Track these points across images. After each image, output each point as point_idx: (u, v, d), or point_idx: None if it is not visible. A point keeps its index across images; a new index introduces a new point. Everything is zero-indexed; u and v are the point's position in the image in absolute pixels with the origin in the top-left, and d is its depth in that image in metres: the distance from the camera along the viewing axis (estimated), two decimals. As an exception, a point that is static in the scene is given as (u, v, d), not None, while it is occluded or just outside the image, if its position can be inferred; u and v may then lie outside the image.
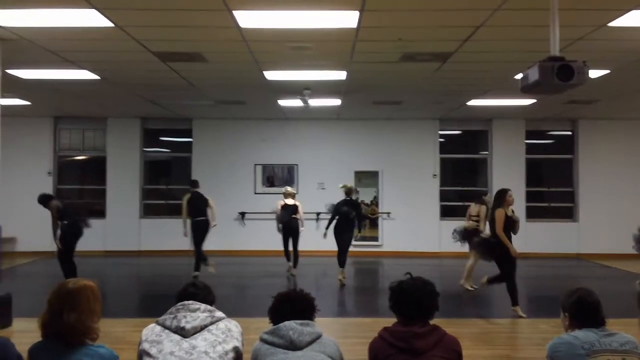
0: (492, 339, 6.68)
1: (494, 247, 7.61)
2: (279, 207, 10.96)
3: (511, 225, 7.54)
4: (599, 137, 14.11)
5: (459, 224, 10.11)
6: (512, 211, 7.68)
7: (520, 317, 7.47)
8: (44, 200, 9.44)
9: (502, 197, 7.65)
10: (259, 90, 10.20)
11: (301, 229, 10.98)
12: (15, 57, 7.59)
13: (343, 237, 10.34)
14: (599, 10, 5.84)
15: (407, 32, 6.58)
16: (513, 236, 7.60)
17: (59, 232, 9.15)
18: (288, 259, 11.22)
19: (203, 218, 10.72)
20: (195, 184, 11.15)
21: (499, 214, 7.50)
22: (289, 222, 10.84)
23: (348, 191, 10.44)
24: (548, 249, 13.63)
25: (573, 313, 3.06)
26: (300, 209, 10.91)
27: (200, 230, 10.72)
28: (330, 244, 13.45)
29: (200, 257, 10.72)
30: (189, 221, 10.70)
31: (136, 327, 5.66)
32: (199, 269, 10.62)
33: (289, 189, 11.22)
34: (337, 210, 10.32)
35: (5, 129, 14.46)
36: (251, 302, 8.70)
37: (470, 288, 9.22)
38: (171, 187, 14.68)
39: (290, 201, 10.92)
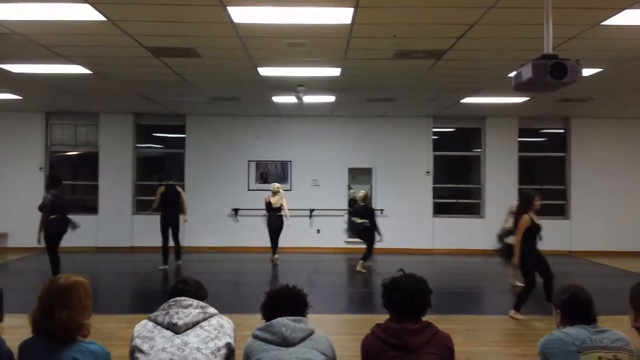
0: (484, 335, 6.71)
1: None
2: (265, 207, 11.88)
3: (536, 230, 7.36)
4: (591, 135, 14.17)
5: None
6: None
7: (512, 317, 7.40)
8: (55, 180, 9.44)
9: (530, 202, 7.37)
10: (253, 86, 10.17)
11: (287, 222, 11.83)
12: (7, 51, 7.54)
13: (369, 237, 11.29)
14: (593, 9, 5.86)
15: (401, 29, 6.57)
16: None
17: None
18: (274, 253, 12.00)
19: (175, 213, 11.36)
20: (170, 176, 11.73)
21: (524, 220, 7.27)
22: (275, 222, 11.81)
23: (364, 198, 11.39)
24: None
25: (565, 310, 3.07)
26: (284, 204, 11.80)
27: (172, 224, 11.33)
28: (321, 241, 13.66)
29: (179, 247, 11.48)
30: (157, 216, 11.44)
31: (128, 323, 5.65)
32: (179, 258, 11.44)
33: (276, 185, 11.99)
34: (353, 223, 11.44)
35: (-3, 124, 14.32)
36: (244, 299, 8.70)
37: (518, 284, 8.98)
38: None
39: (275, 199, 11.73)
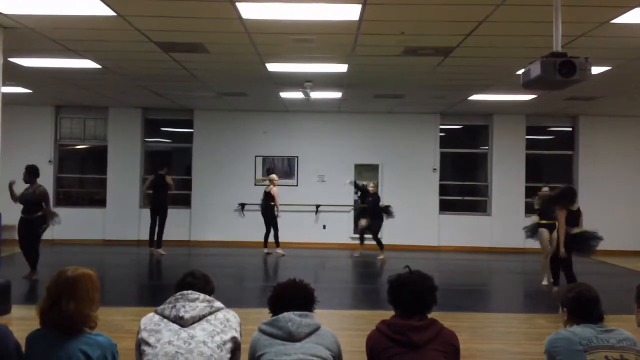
0: (489, 333, 6.70)
1: None
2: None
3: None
4: (599, 134, 14.08)
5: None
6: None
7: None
8: (34, 172, 9.49)
9: (574, 199, 8.07)
10: (261, 82, 10.18)
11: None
12: (17, 45, 7.57)
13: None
14: (602, 7, 5.83)
15: (409, 26, 6.56)
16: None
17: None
18: (266, 245, 12.38)
19: (163, 202, 12.21)
20: (162, 167, 12.37)
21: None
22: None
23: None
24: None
25: (572, 308, 3.06)
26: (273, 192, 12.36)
27: (160, 211, 12.11)
28: (326, 237, 13.69)
29: (160, 237, 12.15)
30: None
31: (135, 316, 5.69)
32: (160, 245, 12.06)
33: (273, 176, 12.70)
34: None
35: (6, 117, 14.45)
36: (250, 293, 8.73)
37: (545, 283, 9.01)
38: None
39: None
